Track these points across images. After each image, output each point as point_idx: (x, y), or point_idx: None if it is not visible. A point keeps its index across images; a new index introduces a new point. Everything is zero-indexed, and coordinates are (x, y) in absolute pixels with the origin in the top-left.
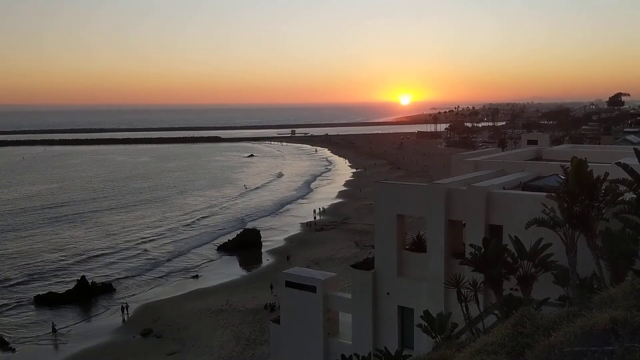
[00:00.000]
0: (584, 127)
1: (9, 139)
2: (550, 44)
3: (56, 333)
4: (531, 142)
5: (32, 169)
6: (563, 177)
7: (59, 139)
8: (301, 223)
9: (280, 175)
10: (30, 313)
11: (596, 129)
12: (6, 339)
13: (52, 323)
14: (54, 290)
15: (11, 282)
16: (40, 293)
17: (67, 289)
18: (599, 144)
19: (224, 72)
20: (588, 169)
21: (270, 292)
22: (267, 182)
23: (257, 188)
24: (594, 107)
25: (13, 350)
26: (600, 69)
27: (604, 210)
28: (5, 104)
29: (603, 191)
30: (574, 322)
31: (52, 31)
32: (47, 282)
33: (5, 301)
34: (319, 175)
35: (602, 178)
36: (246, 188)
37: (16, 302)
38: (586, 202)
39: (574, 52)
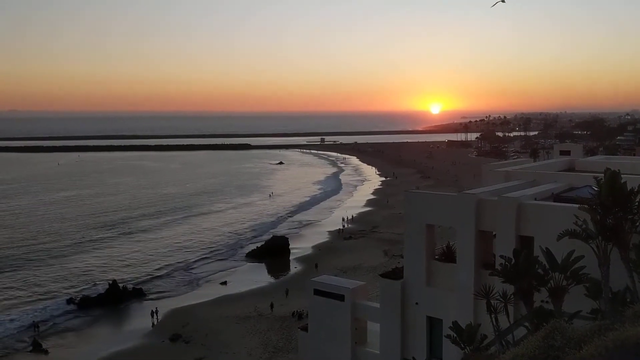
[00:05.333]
0: (618, 137)
1: (44, 145)
2: (585, 53)
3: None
4: (564, 153)
5: (70, 175)
6: (596, 189)
7: (92, 145)
8: (329, 231)
9: (308, 184)
10: (62, 317)
11: (631, 140)
12: (39, 341)
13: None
14: (86, 294)
15: (46, 288)
16: (72, 296)
17: (99, 292)
18: (634, 155)
19: (254, 80)
20: (622, 181)
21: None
22: (296, 190)
23: (284, 195)
24: (629, 117)
25: (46, 352)
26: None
27: (637, 223)
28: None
29: (637, 203)
30: (605, 335)
31: (73, 38)
32: (79, 287)
33: (40, 305)
34: (349, 185)
35: (636, 190)
36: (271, 196)
37: (49, 307)
38: (619, 215)
39: (609, 61)
